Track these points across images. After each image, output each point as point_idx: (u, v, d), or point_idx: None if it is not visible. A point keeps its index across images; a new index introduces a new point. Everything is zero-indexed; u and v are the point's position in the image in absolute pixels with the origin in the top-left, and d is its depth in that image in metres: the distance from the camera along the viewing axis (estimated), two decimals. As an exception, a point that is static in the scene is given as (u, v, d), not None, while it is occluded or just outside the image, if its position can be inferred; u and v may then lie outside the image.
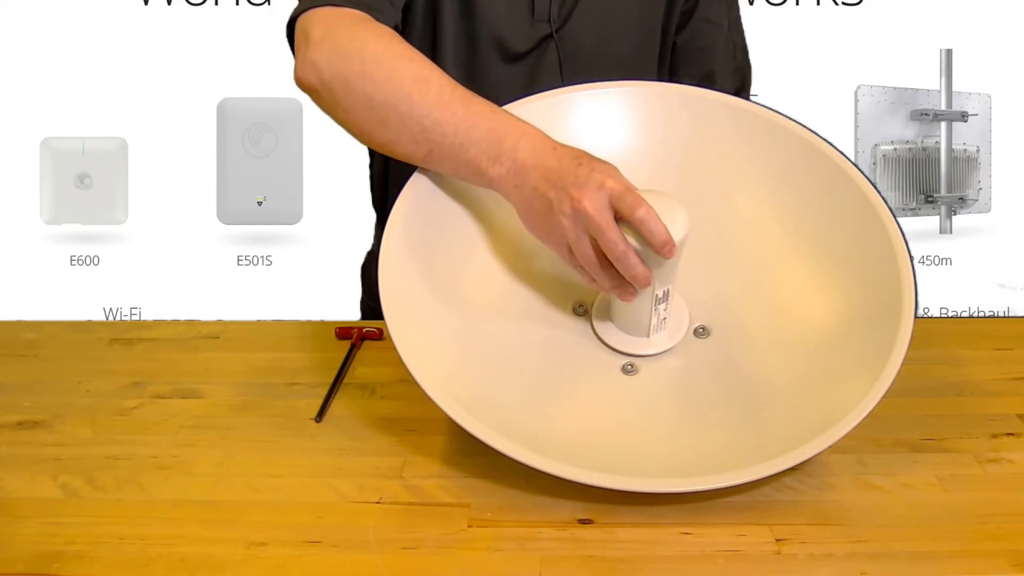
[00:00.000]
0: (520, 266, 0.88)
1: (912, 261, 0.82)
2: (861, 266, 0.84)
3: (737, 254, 0.89)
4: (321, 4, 0.87)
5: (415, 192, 0.87)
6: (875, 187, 0.86)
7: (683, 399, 0.82)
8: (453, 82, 0.83)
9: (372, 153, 1.20)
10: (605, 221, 0.75)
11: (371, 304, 1.26)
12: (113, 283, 2.07)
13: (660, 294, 0.81)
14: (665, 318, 0.84)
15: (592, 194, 0.76)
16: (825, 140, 0.90)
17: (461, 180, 0.85)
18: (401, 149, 0.84)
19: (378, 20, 0.87)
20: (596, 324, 0.86)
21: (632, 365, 0.84)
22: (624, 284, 0.79)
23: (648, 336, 0.84)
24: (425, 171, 0.87)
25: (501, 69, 1.05)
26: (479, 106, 0.82)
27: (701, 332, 0.86)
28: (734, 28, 1.14)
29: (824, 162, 0.88)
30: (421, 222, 0.86)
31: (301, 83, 0.86)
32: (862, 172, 0.88)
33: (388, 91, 0.82)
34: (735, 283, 0.88)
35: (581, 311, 0.87)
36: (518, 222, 0.85)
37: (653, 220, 0.75)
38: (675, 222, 0.77)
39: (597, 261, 0.78)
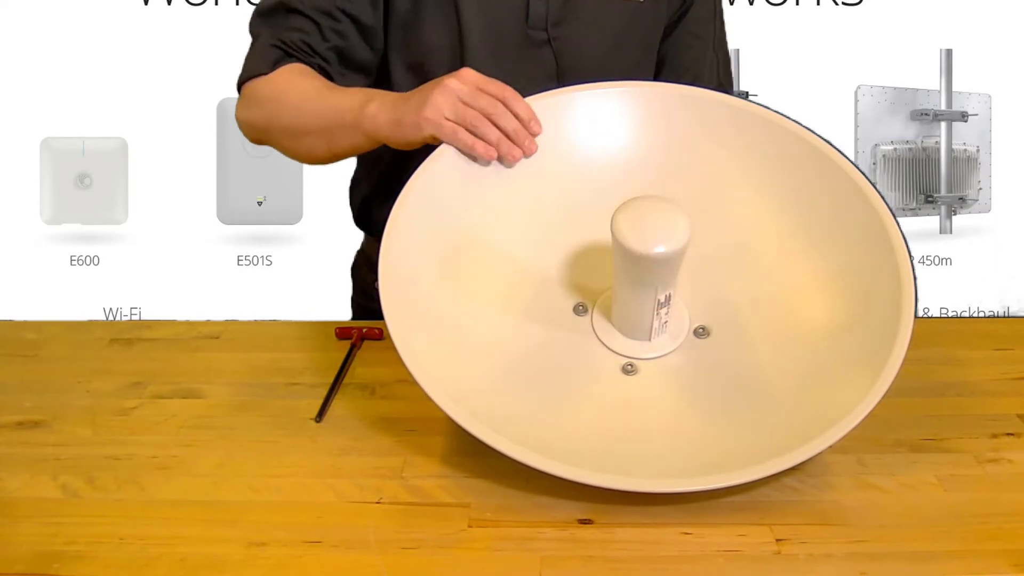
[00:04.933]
0: (520, 267, 0.88)
1: (912, 261, 0.82)
2: (861, 266, 0.84)
3: (737, 254, 0.89)
4: (255, 74, 1.03)
5: (414, 194, 0.87)
6: (875, 187, 0.86)
7: (683, 399, 0.82)
8: (328, 84, 0.99)
9: (356, 173, 1.22)
10: (477, 83, 0.88)
11: (362, 303, 1.26)
12: (113, 283, 2.07)
13: (662, 298, 0.81)
14: (666, 321, 0.84)
15: (459, 76, 0.88)
16: (825, 140, 0.90)
17: (364, 147, 0.97)
18: (318, 150, 1.00)
19: (300, 59, 1.02)
20: (597, 326, 0.86)
21: (632, 365, 0.84)
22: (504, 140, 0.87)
23: (649, 339, 0.84)
24: (422, 173, 0.87)
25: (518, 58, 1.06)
26: (348, 89, 0.98)
27: (701, 332, 0.86)
28: (718, 45, 1.15)
29: (824, 162, 0.88)
30: (420, 224, 0.86)
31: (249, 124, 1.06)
32: (862, 172, 0.88)
33: (285, 114, 1.00)
34: (735, 283, 0.88)
35: (582, 311, 0.87)
36: (519, 223, 0.85)
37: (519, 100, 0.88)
38: (676, 229, 0.77)
39: (477, 114, 0.86)
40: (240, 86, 1.05)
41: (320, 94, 0.98)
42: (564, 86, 0.96)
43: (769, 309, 0.86)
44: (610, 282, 0.85)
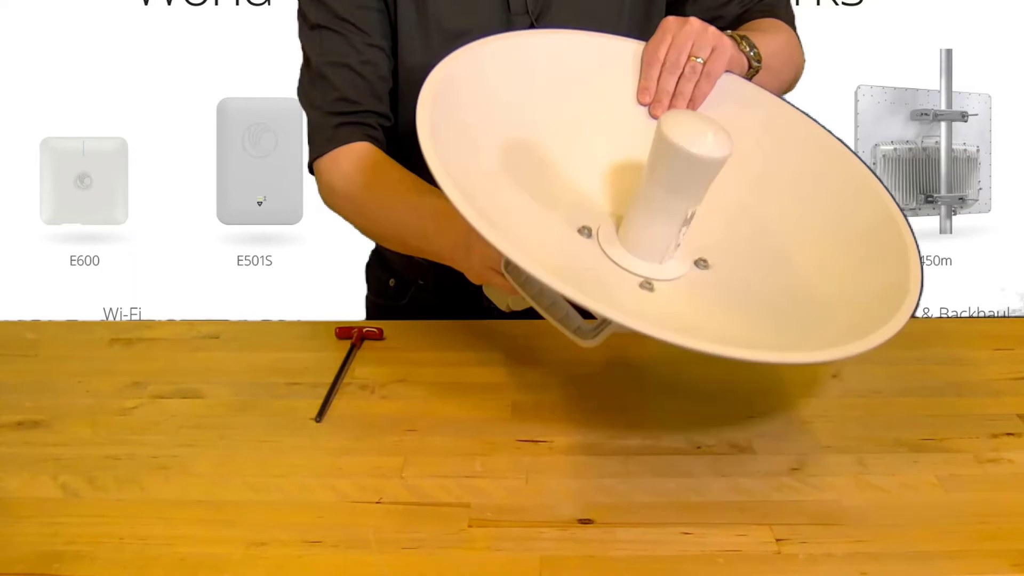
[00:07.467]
0: (529, 188, 0.85)
1: (915, 237, 0.82)
2: (868, 240, 0.84)
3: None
4: (329, 148, 1.02)
5: (433, 101, 0.81)
6: (875, 174, 0.87)
7: (709, 305, 0.81)
8: (403, 188, 0.98)
9: None
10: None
11: (376, 301, 1.26)
12: (113, 283, 2.07)
13: (688, 215, 0.80)
14: (679, 244, 0.83)
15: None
16: (831, 135, 0.90)
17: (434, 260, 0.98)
18: (391, 247, 1.07)
19: (365, 121, 1.03)
20: (606, 248, 0.84)
21: (649, 283, 0.82)
22: None
23: (661, 262, 0.83)
24: (434, 82, 0.82)
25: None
26: (418, 206, 0.96)
27: (701, 264, 0.85)
28: None
29: (839, 161, 0.89)
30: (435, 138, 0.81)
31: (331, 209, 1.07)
32: (865, 164, 0.88)
33: (382, 231, 1.03)
34: (739, 233, 0.87)
35: (586, 234, 0.85)
36: (531, 151, 0.86)
37: None
38: (722, 137, 0.77)
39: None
40: (311, 164, 1.06)
41: (394, 210, 0.99)
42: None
43: (768, 248, 0.85)
44: (612, 207, 0.83)
